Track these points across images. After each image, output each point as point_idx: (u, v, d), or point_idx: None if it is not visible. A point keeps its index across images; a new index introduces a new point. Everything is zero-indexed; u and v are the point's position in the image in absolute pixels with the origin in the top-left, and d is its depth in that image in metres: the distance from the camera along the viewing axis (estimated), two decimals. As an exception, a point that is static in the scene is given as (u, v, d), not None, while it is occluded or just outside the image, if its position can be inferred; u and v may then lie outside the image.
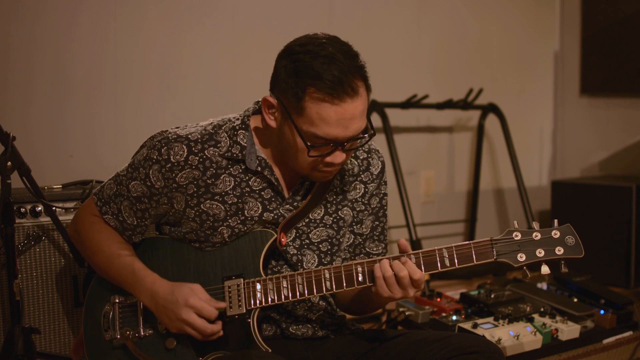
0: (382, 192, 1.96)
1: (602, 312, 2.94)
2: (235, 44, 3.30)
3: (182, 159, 1.76)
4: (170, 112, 3.12)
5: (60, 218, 2.34)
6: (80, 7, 2.89)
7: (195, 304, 1.72)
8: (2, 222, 2.03)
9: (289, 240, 1.84)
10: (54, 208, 2.31)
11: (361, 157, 1.92)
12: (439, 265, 1.73)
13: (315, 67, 1.63)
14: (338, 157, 1.71)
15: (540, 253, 1.73)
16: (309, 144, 1.67)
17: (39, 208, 2.35)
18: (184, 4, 3.15)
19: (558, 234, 1.74)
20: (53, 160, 2.84)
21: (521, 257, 1.73)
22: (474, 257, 1.73)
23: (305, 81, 1.64)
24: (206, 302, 1.74)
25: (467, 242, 1.74)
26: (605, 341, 2.86)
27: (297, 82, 1.65)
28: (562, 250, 1.73)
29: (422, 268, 1.73)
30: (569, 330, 2.74)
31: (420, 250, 1.75)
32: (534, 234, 1.74)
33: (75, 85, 2.90)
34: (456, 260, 1.72)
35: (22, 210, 2.34)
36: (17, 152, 2.08)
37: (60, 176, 2.64)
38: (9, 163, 2.03)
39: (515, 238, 1.74)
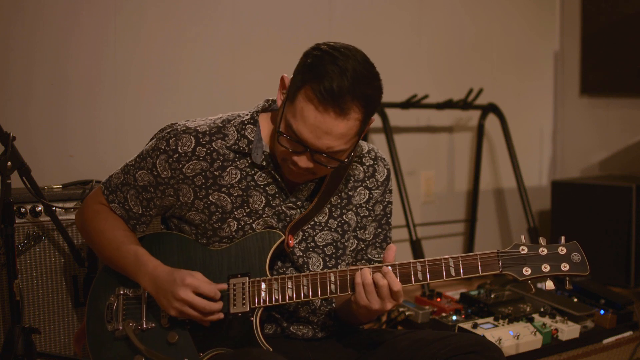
0: (387, 200, 1.96)
1: (602, 312, 2.94)
2: (235, 44, 3.30)
3: (190, 150, 1.78)
4: (170, 111, 3.11)
5: (60, 218, 2.34)
6: (80, 7, 2.89)
7: (192, 282, 1.72)
8: (2, 222, 2.03)
9: (295, 242, 1.85)
10: (54, 208, 2.31)
11: (367, 164, 1.93)
12: (444, 274, 1.73)
13: (326, 70, 1.63)
14: (302, 161, 1.71)
15: (545, 268, 1.72)
16: (280, 130, 1.70)
17: (39, 208, 2.35)
18: (184, 4, 3.16)
19: (564, 250, 1.74)
20: (53, 160, 2.85)
21: (526, 271, 1.73)
22: (479, 268, 1.73)
23: (308, 77, 1.65)
24: (205, 282, 1.74)
25: (474, 253, 1.74)
26: (605, 341, 2.86)
27: (304, 74, 1.67)
28: (567, 267, 1.72)
29: (428, 277, 1.73)
30: (569, 330, 2.74)
31: (426, 259, 1.75)
32: (541, 249, 1.74)
33: (75, 85, 2.90)
34: (462, 271, 1.72)
35: (22, 210, 2.34)
36: (17, 152, 2.08)
37: (60, 176, 2.65)
38: (9, 163, 2.04)
39: (522, 252, 1.74)
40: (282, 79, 1.75)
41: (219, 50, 3.26)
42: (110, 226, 1.88)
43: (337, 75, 1.62)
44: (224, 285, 1.76)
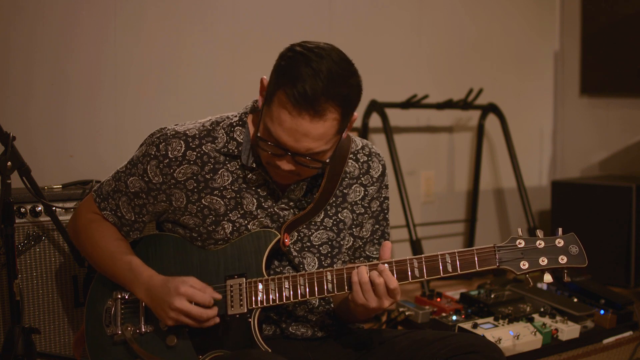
0: (383, 195, 1.95)
1: (602, 312, 2.94)
2: (235, 44, 3.30)
3: (180, 154, 1.78)
4: (170, 111, 3.12)
5: (60, 218, 2.34)
6: (81, 7, 2.89)
7: (186, 291, 1.72)
8: (2, 222, 2.03)
9: (290, 242, 1.85)
10: (54, 208, 2.31)
11: (361, 160, 1.92)
12: (441, 270, 1.72)
13: (299, 73, 1.61)
14: (284, 164, 1.70)
15: (543, 261, 1.72)
16: (259, 135, 1.69)
17: (39, 208, 2.35)
18: (184, 4, 3.16)
19: (562, 242, 1.73)
20: (53, 160, 2.85)
21: (524, 265, 1.72)
22: (476, 263, 1.72)
23: (282, 81, 1.63)
24: (200, 289, 1.74)
25: (470, 248, 1.73)
26: (605, 341, 2.86)
27: (277, 78, 1.65)
28: (565, 259, 1.72)
29: (425, 273, 1.72)
30: (569, 330, 2.74)
31: (422, 255, 1.74)
32: (538, 242, 1.73)
33: (75, 85, 2.90)
34: (459, 266, 1.72)
35: (22, 210, 2.34)
36: (17, 152, 2.08)
37: (60, 176, 2.65)
38: (9, 163, 2.04)
39: (519, 246, 1.73)
40: (262, 81, 1.74)
41: (218, 50, 3.26)
42: (103, 235, 1.87)
43: (310, 77, 1.60)
44: (218, 295, 1.76)
